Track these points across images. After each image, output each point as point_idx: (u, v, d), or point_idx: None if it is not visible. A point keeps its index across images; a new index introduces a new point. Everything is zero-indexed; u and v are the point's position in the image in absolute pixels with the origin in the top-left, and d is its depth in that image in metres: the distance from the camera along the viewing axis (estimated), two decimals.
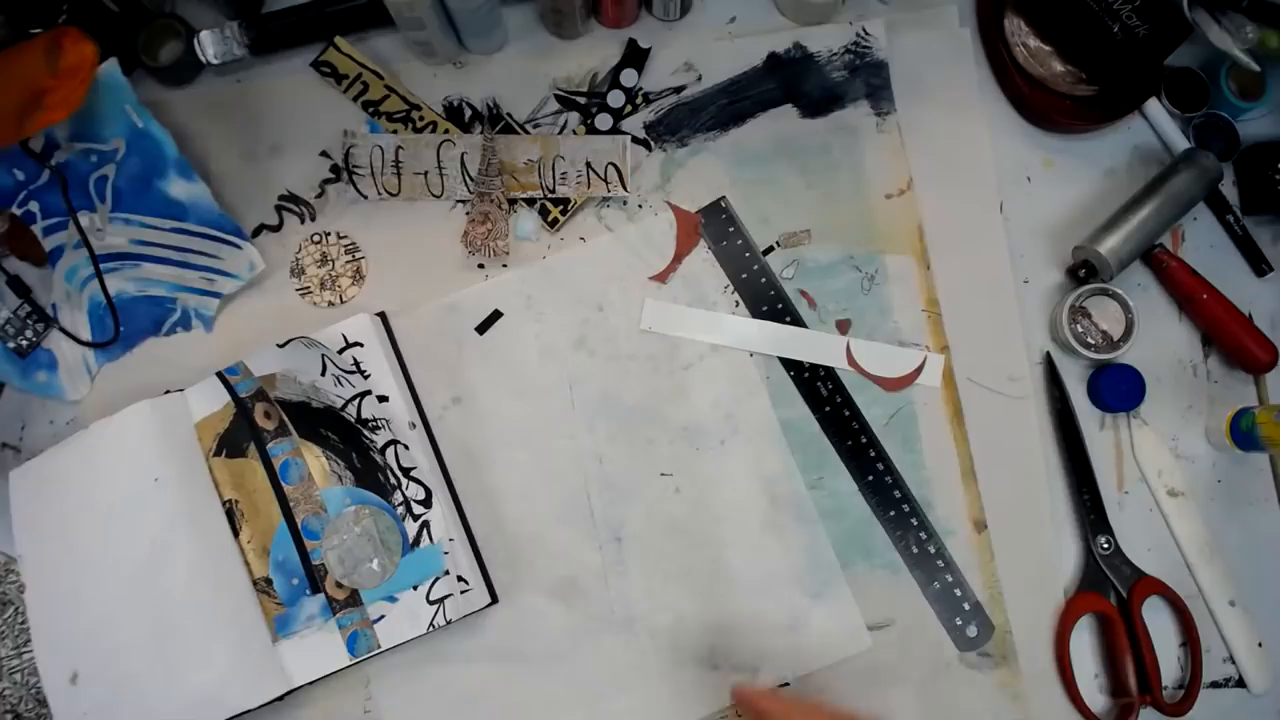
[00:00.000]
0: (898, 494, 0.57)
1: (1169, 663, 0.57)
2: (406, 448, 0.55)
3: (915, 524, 0.57)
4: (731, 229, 0.60)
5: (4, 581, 0.57)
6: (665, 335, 0.58)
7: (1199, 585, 0.58)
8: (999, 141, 0.62)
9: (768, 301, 0.59)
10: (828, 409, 0.58)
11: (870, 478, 0.57)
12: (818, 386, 0.58)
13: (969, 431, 0.58)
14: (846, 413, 0.58)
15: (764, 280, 0.59)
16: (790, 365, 0.58)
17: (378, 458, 0.55)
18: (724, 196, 0.60)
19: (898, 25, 0.62)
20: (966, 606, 0.56)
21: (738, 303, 0.59)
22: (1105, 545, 0.57)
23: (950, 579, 0.56)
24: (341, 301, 0.59)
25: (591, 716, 0.55)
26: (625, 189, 0.59)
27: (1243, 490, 0.59)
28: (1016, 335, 0.59)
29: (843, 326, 0.59)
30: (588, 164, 0.60)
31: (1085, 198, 0.62)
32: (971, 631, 0.56)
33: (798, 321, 0.59)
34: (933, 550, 0.56)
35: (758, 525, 0.56)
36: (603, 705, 0.55)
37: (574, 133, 0.61)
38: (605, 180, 0.59)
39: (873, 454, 0.57)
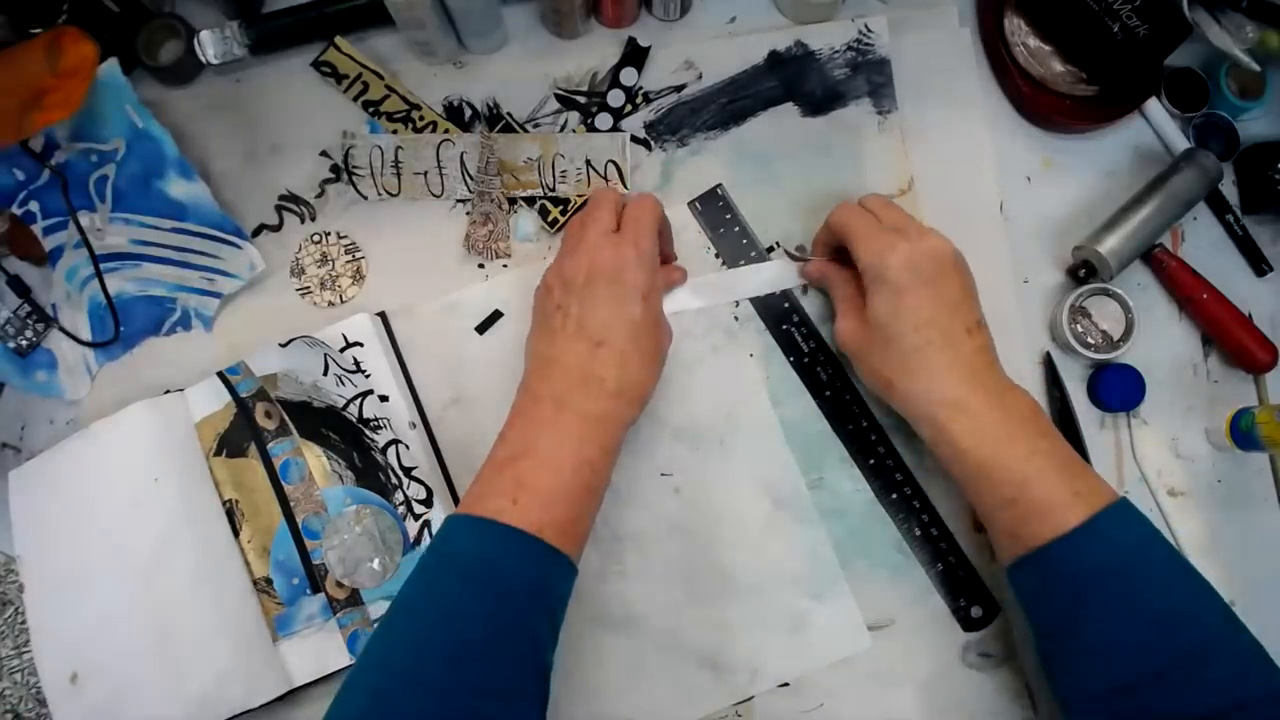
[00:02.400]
0: (899, 476, 0.57)
1: None
2: (407, 447, 0.55)
3: (918, 506, 0.57)
4: (729, 215, 0.60)
5: (4, 581, 0.57)
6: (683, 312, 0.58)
7: None
8: (999, 141, 0.62)
9: None
10: (828, 393, 0.58)
11: (872, 461, 0.57)
12: (817, 371, 0.58)
13: None
14: (847, 396, 0.58)
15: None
16: (790, 350, 0.58)
17: (379, 457, 0.55)
18: (720, 184, 0.60)
19: (897, 25, 0.62)
20: (971, 587, 0.56)
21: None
22: None
23: (954, 559, 0.56)
24: (341, 301, 0.59)
25: (592, 716, 0.55)
26: (626, 186, 0.59)
27: (1243, 490, 0.59)
28: (1017, 335, 0.59)
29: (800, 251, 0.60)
30: (587, 162, 0.60)
31: (1085, 198, 0.62)
32: (976, 612, 0.56)
33: (795, 307, 0.59)
34: (935, 532, 0.56)
35: (758, 525, 0.56)
36: (603, 705, 0.55)
37: (574, 132, 0.61)
38: (605, 178, 0.59)
39: (873, 437, 0.57)
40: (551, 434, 0.46)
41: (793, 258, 0.59)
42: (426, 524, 0.54)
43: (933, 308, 0.48)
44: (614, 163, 0.60)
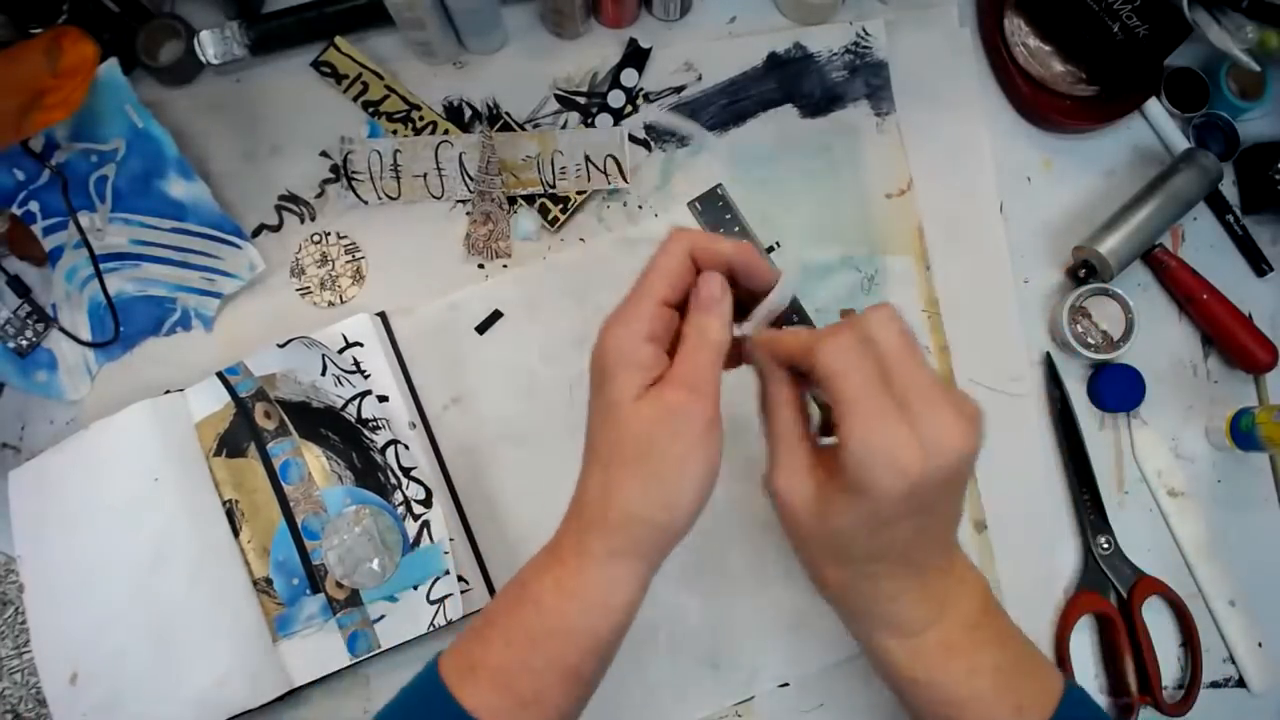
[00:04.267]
0: None
1: (1169, 663, 0.57)
2: (407, 447, 0.55)
3: None
4: (729, 216, 0.60)
5: (4, 581, 0.57)
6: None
7: (1199, 585, 0.58)
8: (999, 141, 0.62)
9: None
10: None
11: None
12: None
13: None
14: None
15: None
16: None
17: (378, 457, 0.55)
18: (720, 184, 0.60)
19: (897, 25, 0.62)
20: None
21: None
22: (1105, 545, 0.57)
23: None
24: (341, 301, 0.59)
25: (591, 716, 0.55)
26: (625, 180, 0.59)
27: (1243, 490, 0.59)
28: (1017, 335, 0.59)
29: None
30: (586, 157, 0.60)
31: (1085, 198, 0.62)
32: None
33: (795, 307, 0.59)
34: None
35: (758, 524, 0.56)
36: (602, 705, 0.55)
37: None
38: (605, 173, 0.59)
39: None
40: (538, 588, 0.41)
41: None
42: (426, 524, 0.54)
43: (914, 538, 0.36)
44: (613, 157, 0.60)
